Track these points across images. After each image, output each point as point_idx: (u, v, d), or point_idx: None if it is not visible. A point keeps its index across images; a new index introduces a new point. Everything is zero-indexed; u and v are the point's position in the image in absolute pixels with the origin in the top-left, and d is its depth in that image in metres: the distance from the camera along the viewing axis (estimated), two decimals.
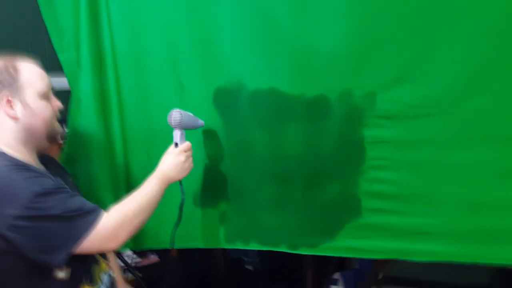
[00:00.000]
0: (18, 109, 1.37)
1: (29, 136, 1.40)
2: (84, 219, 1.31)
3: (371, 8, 1.46)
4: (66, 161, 1.81)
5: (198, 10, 1.67)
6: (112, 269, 1.63)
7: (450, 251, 1.46)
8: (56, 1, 1.79)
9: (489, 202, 1.42)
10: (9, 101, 1.36)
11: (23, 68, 1.39)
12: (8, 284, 1.30)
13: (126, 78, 1.82)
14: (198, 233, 1.82)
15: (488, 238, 1.43)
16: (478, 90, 1.40)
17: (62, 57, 1.82)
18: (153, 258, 3.04)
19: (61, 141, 1.56)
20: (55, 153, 1.78)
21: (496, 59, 1.37)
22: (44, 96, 1.41)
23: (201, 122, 1.64)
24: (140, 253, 2.96)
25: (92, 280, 1.45)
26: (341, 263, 2.35)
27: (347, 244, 1.60)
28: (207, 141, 1.73)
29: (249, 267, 2.91)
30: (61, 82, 1.79)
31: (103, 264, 1.54)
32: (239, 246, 1.78)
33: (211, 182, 1.78)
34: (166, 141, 1.57)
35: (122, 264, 2.32)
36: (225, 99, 1.70)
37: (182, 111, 1.54)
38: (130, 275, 2.56)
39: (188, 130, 1.58)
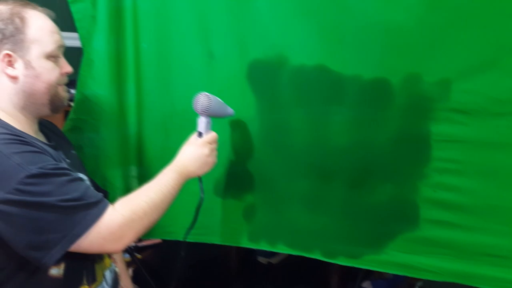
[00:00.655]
0: (19, 68, 1.20)
1: (28, 102, 1.23)
2: (85, 212, 1.10)
3: None
4: (71, 130, 1.66)
5: None
6: (115, 261, 1.43)
7: None
8: None
9: None
10: (9, 56, 1.19)
11: (32, 20, 1.22)
12: None
13: (147, 40, 1.63)
14: (216, 227, 1.64)
15: None
16: None
17: (75, 8, 1.62)
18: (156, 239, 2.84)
19: (66, 106, 1.37)
20: (58, 122, 1.60)
21: None
22: (52, 57, 1.25)
23: (230, 110, 1.46)
24: None
25: (93, 279, 1.25)
26: (371, 270, 2.14)
27: (397, 259, 1.39)
28: (236, 121, 1.53)
29: (262, 260, 2.73)
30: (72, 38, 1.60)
31: (107, 259, 1.35)
32: (264, 246, 1.59)
33: (237, 169, 1.59)
34: (189, 120, 1.41)
35: None
36: (262, 74, 1.50)
37: (211, 96, 1.36)
38: (127, 256, 2.32)
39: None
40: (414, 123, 1.32)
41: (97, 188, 1.46)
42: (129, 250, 2.16)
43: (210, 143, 1.35)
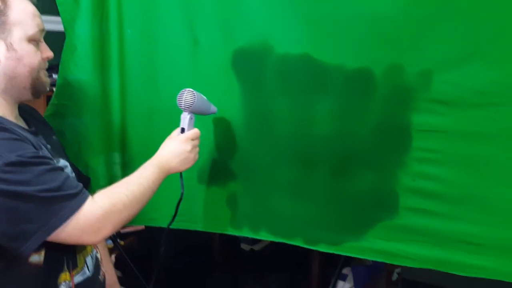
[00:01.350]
0: (1, 50, 1.17)
1: (9, 85, 1.19)
2: (63, 203, 1.07)
3: None
4: (52, 115, 1.62)
5: None
6: (97, 248, 1.41)
7: (502, 269, 1.25)
8: None
9: None
10: None
11: (15, 2, 1.19)
12: None
13: (131, 25, 1.61)
14: (200, 214, 1.63)
15: None
16: None
17: None
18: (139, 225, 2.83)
19: (48, 91, 1.35)
20: (39, 107, 1.57)
21: None
22: (34, 40, 1.21)
23: (214, 108, 1.46)
24: None
25: (74, 265, 1.23)
26: (351, 257, 2.15)
27: (376, 245, 1.40)
28: (221, 108, 1.50)
29: (245, 247, 2.74)
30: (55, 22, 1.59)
31: (89, 246, 1.32)
32: (247, 233, 1.59)
33: (221, 156, 1.58)
34: (174, 107, 1.37)
35: None
36: (247, 62, 1.49)
37: (196, 92, 1.35)
38: (110, 243, 2.31)
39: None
40: (396, 112, 1.32)
41: (80, 174, 1.45)
42: (111, 237, 2.14)
43: (192, 139, 1.34)
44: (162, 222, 1.56)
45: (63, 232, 1.06)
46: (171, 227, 1.47)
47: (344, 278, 2.18)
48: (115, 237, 2.35)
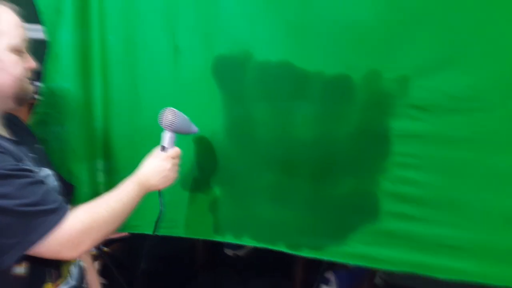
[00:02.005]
0: None
1: None
2: (43, 218, 1.07)
3: None
4: (36, 123, 1.61)
5: None
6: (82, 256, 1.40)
7: (481, 271, 1.26)
8: None
9: None
10: None
11: None
12: None
13: (114, 33, 1.60)
14: (182, 220, 1.62)
15: None
16: None
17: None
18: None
19: (32, 100, 1.34)
20: (24, 116, 1.55)
21: None
22: (17, 51, 1.22)
23: (195, 128, 1.47)
24: None
25: (58, 275, 1.24)
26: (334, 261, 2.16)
27: (358, 250, 1.40)
28: (202, 115, 1.51)
29: (229, 252, 2.73)
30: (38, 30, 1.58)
31: None
32: (230, 239, 1.58)
33: (203, 163, 1.58)
34: (156, 115, 1.38)
35: None
36: (227, 69, 1.49)
37: (177, 112, 1.37)
38: (94, 250, 2.30)
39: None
40: (375, 118, 1.33)
41: (63, 182, 1.45)
42: None
43: (173, 157, 1.36)
44: (145, 229, 1.56)
45: (42, 247, 1.07)
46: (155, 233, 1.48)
47: (327, 282, 2.18)
48: (99, 244, 2.33)
